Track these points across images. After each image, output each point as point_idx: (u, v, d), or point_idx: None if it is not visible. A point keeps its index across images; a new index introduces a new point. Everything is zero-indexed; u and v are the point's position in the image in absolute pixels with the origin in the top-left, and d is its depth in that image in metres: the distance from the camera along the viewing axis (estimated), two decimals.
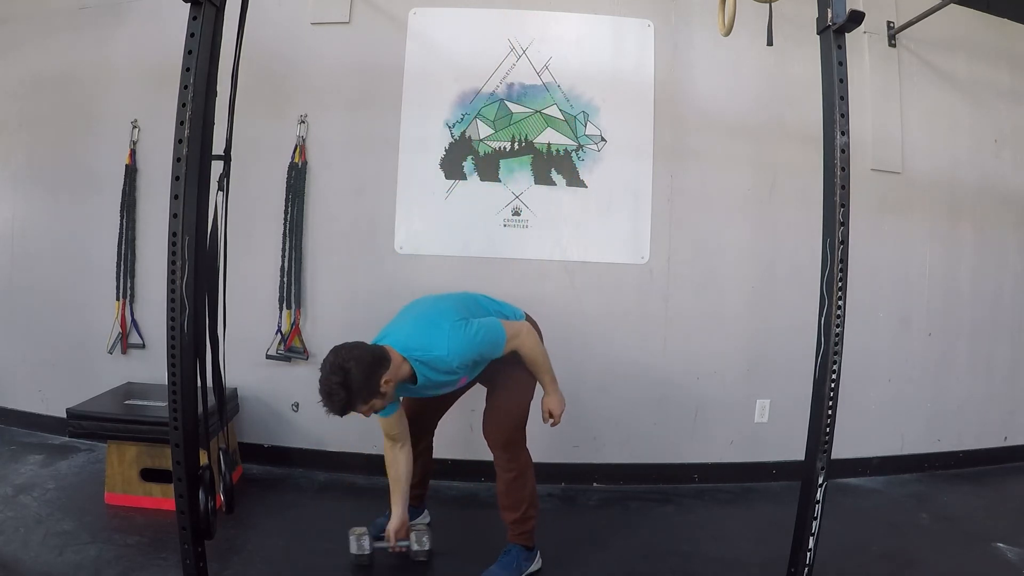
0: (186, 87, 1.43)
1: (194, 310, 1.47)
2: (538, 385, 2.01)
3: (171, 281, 1.45)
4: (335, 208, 2.78)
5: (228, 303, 1.73)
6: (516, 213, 2.75)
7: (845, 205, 1.53)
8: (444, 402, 2.18)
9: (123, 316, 2.86)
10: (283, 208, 2.75)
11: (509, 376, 1.98)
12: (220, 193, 1.64)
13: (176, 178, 1.43)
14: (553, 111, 2.74)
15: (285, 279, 2.75)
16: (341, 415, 1.75)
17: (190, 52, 1.43)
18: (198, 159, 1.45)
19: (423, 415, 2.18)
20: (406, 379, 1.83)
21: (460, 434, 2.60)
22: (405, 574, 2.04)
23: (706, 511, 2.59)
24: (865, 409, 2.93)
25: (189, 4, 1.44)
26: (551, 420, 1.99)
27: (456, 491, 2.69)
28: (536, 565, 2.03)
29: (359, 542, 2.05)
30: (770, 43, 1.79)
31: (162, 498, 2.31)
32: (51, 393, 2.99)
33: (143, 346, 2.87)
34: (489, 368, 1.98)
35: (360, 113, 2.76)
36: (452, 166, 2.75)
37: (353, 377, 1.68)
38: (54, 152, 2.98)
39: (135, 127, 2.85)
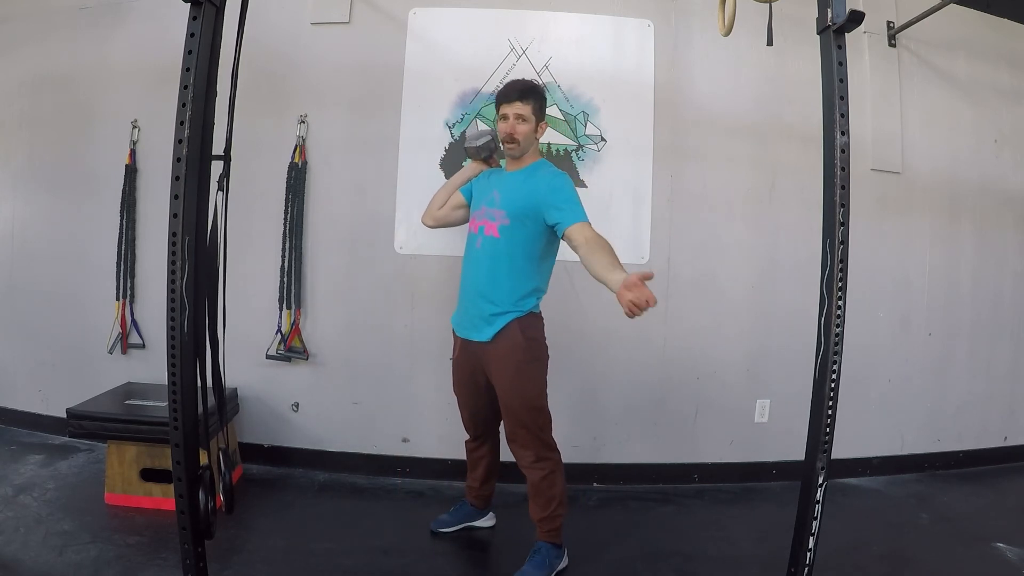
0: (186, 87, 1.43)
1: (194, 310, 1.47)
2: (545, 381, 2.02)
3: (171, 281, 1.45)
4: (335, 208, 2.78)
5: (228, 303, 1.73)
6: None
7: (845, 205, 1.53)
8: (495, 400, 2.10)
9: (123, 316, 2.86)
10: (283, 208, 2.75)
11: (515, 373, 1.95)
12: (220, 193, 1.64)
13: (176, 178, 1.43)
14: (553, 111, 2.74)
15: (285, 279, 2.75)
16: (519, 95, 1.97)
17: (190, 52, 1.43)
18: (198, 159, 1.45)
19: (478, 413, 2.16)
20: (524, 150, 2.01)
21: None
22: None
23: (706, 511, 2.59)
24: (865, 409, 2.93)
25: (189, 4, 1.44)
26: (636, 308, 1.48)
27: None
28: (564, 563, 2.04)
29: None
30: (770, 43, 1.79)
31: (162, 498, 2.31)
32: (51, 393, 2.99)
33: (143, 346, 2.88)
34: (498, 364, 1.97)
35: (360, 113, 2.76)
36: (452, 166, 2.74)
37: (543, 91, 2.07)
38: (54, 152, 2.98)
39: (135, 127, 2.86)
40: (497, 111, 2.04)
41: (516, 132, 1.97)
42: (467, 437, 2.24)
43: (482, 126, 2.13)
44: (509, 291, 1.94)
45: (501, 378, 1.98)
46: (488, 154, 2.14)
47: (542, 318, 2.05)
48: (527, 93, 2.00)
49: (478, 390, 2.09)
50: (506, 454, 2.15)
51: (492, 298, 1.95)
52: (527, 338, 1.96)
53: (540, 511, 1.99)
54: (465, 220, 2.19)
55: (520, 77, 2.15)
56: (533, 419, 1.97)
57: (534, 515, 2.01)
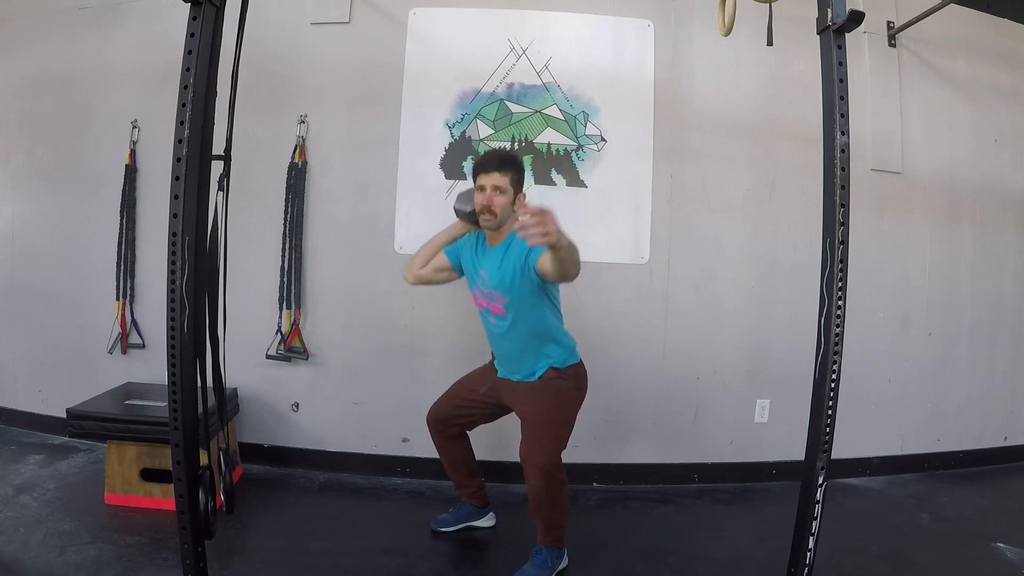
0: (186, 87, 1.43)
1: (194, 310, 1.46)
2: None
3: (171, 281, 1.44)
4: (335, 208, 2.78)
5: (228, 303, 1.73)
6: None
7: (845, 205, 1.53)
8: (475, 413, 2.18)
9: (123, 316, 2.86)
10: (283, 208, 2.75)
11: (544, 405, 1.98)
12: (220, 193, 1.64)
13: (176, 178, 1.43)
14: (553, 111, 2.74)
15: (285, 279, 2.75)
16: (496, 165, 1.97)
17: (190, 52, 1.43)
18: (198, 159, 1.45)
19: (465, 416, 2.19)
20: (497, 225, 2.00)
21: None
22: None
23: (706, 511, 2.59)
24: (865, 409, 2.93)
25: (189, 4, 1.44)
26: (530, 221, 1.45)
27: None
28: (565, 563, 2.04)
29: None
30: (770, 43, 1.79)
31: (162, 498, 2.31)
32: (51, 393, 2.99)
33: (143, 346, 2.88)
34: (522, 395, 2.01)
35: (360, 113, 2.76)
36: (452, 166, 2.75)
37: (522, 164, 2.06)
38: (54, 152, 2.98)
39: (135, 127, 2.86)
40: (474, 181, 2.03)
41: (493, 204, 1.96)
42: (433, 430, 2.22)
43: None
44: (540, 353, 2.00)
45: (529, 404, 1.99)
46: (477, 219, 2.08)
47: (583, 366, 2.11)
48: (505, 164, 1.99)
49: (484, 403, 2.12)
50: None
51: (527, 366, 2.02)
52: (569, 375, 2.04)
53: (541, 522, 1.98)
54: (448, 281, 2.21)
55: (499, 147, 2.11)
56: (560, 439, 1.97)
57: (535, 521, 2.00)
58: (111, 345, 2.87)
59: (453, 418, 2.18)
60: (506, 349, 2.06)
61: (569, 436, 2.02)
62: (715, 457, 2.86)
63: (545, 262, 1.80)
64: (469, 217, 2.09)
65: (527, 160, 2.74)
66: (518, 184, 2.02)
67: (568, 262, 1.72)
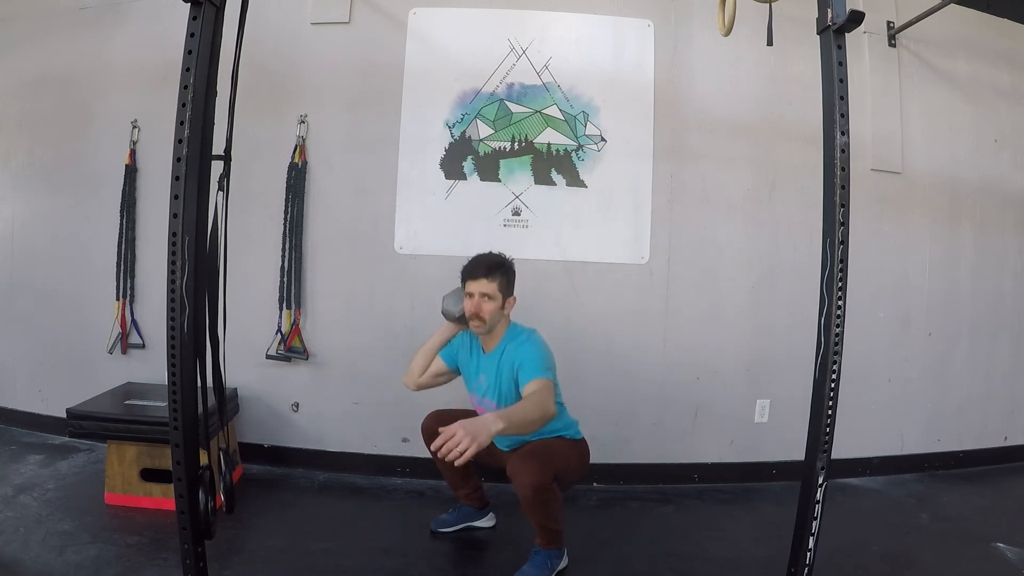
0: (186, 87, 1.43)
1: (194, 310, 1.46)
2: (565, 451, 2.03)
3: (171, 281, 1.44)
4: (335, 208, 2.78)
5: (228, 303, 1.73)
6: (516, 213, 2.76)
7: (845, 205, 1.53)
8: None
9: (123, 316, 2.86)
10: (283, 208, 2.75)
11: (537, 443, 1.97)
12: (220, 193, 1.64)
13: (176, 178, 1.43)
14: (553, 111, 2.74)
15: (285, 279, 2.75)
16: (484, 272, 1.98)
17: (190, 52, 1.43)
18: (198, 159, 1.45)
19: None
20: (489, 329, 2.02)
21: None
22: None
23: (706, 511, 2.59)
24: (865, 409, 2.93)
25: (189, 4, 1.44)
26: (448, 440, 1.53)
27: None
28: (565, 563, 2.04)
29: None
30: (770, 43, 1.79)
31: (162, 498, 2.31)
32: (51, 393, 2.99)
33: (143, 346, 2.88)
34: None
35: (360, 113, 2.76)
36: (452, 166, 2.75)
37: (510, 267, 2.05)
38: (54, 152, 2.98)
39: (135, 127, 2.86)
40: (463, 286, 2.04)
41: (481, 311, 1.98)
42: (427, 439, 2.16)
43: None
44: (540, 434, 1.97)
45: (521, 449, 1.98)
46: (466, 321, 2.07)
47: (587, 444, 2.11)
48: (493, 270, 1.99)
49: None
50: None
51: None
52: (567, 441, 2.04)
53: (538, 525, 1.96)
54: (447, 382, 2.22)
55: (488, 252, 2.06)
56: (552, 462, 1.90)
57: (532, 523, 1.97)
58: (111, 345, 2.87)
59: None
60: (507, 443, 2.08)
61: (557, 471, 1.90)
62: (715, 457, 2.86)
63: (523, 395, 1.85)
64: (459, 320, 2.09)
65: (527, 160, 2.75)
66: (507, 288, 2.02)
67: (526, 428, 1.72)
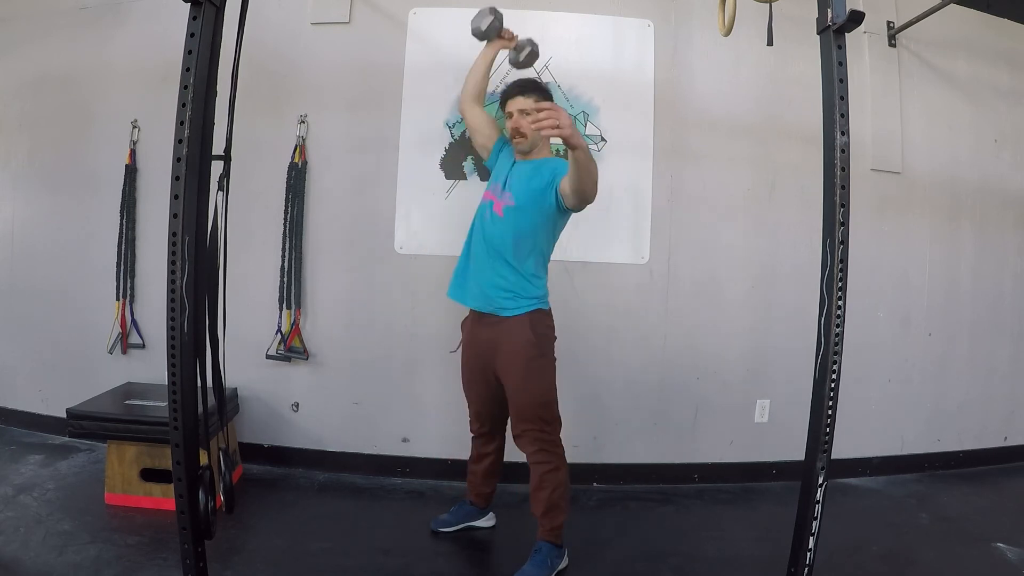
0: (186, 87, 1.43)
1: (194, 310, 1.47)
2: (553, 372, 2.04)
3: (171, 281, 1.45)
4: (335, 208, 2.78)
5: (228, 303, 1.73)
6: None
7: (845, 205, 1.53)
8: (482, 392, 2.15)
9: (123, 316, 2.86)
10: (283, 208, 2.75)
11: (524, 369, 1.97)
12: (220, 193, 1.64)
13: (176, 178, 1.43)
14: None
15: (285, 279, 2.75)
16: (519, 90, 2.05)
17: (190, 52, 1.43)
18: (198, 159, 1.45)
19: (488, 409, 2.17)
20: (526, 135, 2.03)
21: None
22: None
23: (706, 511, 2.60)
24: (865, 409, 2.93)
25: (189, 4, 1.44)
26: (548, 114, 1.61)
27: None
28: (565, 563, 2.04)
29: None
30: (770, 43, 1.79)
31: (162, 498, 2.31)
32: (51, 393, 2.99)
33: (143, 346, 2.87)
34: (508, 359, 1.99)
35: (360, 113, 2.76)
36: (452, 166, 2.75)
37: (546, 88, 2.15)
38: (54, 152, 2.98)
39: (135, 127, 2.85)
40: (503, 111, 2.11)
41: (521, 126, 2.03)
42: (472, 433, 2.24)
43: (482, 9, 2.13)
44: (505, 278, 1.97)
45: (510, 375, 1.99)
46: (496, 32, 2.10)
47: (551, 315, 2.07)
48: (526, 87, 2.07)
49: (488, 387, 2.10)
50: (512, 454, 2.15)
51: (488, 280, 1.98)
52: (537, 335, 1.97)
53: (541, 506, 1.99)
54: (480, 147, 2.27)
55: (521, 77, 2.19)
56: (539, 415, 1.98)
57: (536, 512, 2.01)
58: (111, 345, 2.87)
59: (482, 415, 2.18)
60: (482, 251, 2.03)
61: (554, 384, 2.01)
62: (715, 457, 2.86)
63: (566, 182, 1.82)
64: (488, 33, 2.11)
65: None
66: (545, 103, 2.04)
67: (585, 171, 1.74)
